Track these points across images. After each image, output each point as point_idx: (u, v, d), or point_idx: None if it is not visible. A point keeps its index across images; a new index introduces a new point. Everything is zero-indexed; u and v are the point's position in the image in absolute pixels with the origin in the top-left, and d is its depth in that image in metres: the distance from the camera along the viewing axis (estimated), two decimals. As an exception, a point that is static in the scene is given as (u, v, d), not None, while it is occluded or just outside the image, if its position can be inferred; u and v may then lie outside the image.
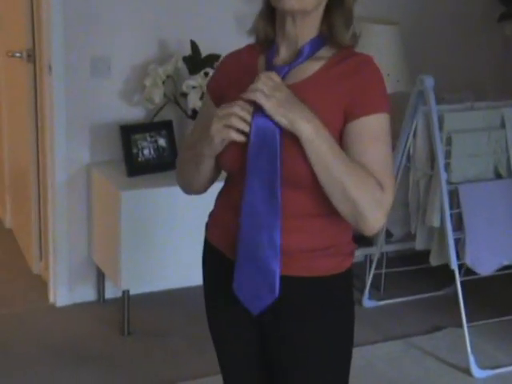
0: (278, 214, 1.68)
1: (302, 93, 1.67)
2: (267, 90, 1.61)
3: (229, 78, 1.82)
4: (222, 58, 1.93)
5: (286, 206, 1.68)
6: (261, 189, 1.67)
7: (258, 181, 1.68)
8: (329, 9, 1.72)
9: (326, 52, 1.73)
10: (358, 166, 1.64)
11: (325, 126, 1.63)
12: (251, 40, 1.82)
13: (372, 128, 1.66)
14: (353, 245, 1.81)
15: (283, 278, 1.72)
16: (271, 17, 1.75)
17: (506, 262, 3.38)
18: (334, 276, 1.75)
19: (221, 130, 1.65)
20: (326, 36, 1.73)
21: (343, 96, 1.66)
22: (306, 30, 1.71)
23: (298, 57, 1.71)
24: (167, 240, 3.29)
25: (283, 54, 1.74)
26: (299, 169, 1.65)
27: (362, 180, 1.63)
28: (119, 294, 3.44)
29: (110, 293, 3.64)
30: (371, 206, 1.64)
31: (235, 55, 1.87)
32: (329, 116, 1.65)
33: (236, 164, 1.72)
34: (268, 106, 1.60)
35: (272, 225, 1.68)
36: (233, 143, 1.69)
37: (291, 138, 1.64)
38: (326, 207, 1.68)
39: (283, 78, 1.69)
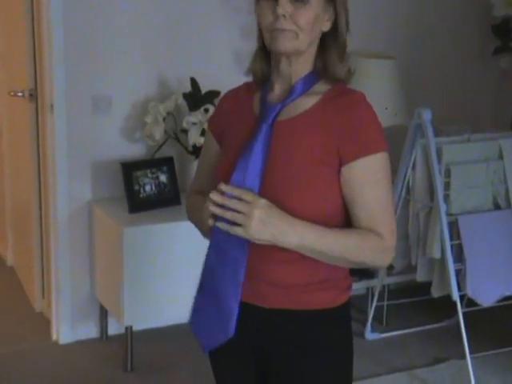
0: (244, 249, 1.69)
1: (293, 129, 1.71)
2: (244, 209, 1.61)
3: (227, 115, 1.86)
4: (221, 96, 1.97)
5: None
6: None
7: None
8: (323, 44, 1.75)
9: (320, 87, 1.75)
10: (351, 233, 1.68)
11: (316, 162, 1.66)
12: (250, 77, 1.87)
13: (369, 170, 1.68)
14: (349, 279, 1.82)
15: (278, 312, 1.74)
16: (267, 55, 1.79)
17: (507, 293, 3.38)
18: (329, 310, 1.76)
19: (205, 219, 1.69)
20: (321, 71, 1.76)
21: (336, 135, 1.68)
22: (301, 67, 1.74)
23: (290, 94, 1.74)
24: (170, 275, 3.30)
25: (277, 90, 1.78)
26: (287, 205, 1.66)
27: (361, 245, 1.68)
28: (122, 331, 3.44)
29: (113, 329, 3.64)
30: (377, 258, 1.72)
31: (233, 93, 1.91)
32: (321, 153, 1.68)
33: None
34: (248, 234, 1.61)
35: (237, 260, 1.70)
36: (225, 170, 1.74)
37: (278, 173, 1.68)
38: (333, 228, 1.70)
39: (276, 116, 1.72)
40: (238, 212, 1.61)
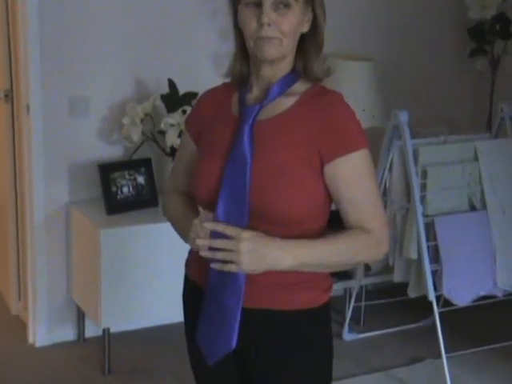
0: (241, 279, 1.70)
1: (273, 129, 1.72)
2: (231, 247, 1.62)
3: (205, 115, 1.87)
4: (199, 96, 1.97)
5: None
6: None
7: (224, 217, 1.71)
8: (301, 44, 1.76)
9: (298, 87, 1.77)
10: (341, 237, 1.70)
11: (297, 161, 1.68)
12: (228, 79, 1.87)
13: (352, 167, 1.70)
14: (330, 280, 1.83)
15: (259, 311, 1.75)
16: (245, 57, 1.80)
17: (482, 293, 3.41)
18: (310, 310, 1.77)
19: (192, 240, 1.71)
20: (300, 71, 1.77)
21: (316, 134, 1.69)
22: (281, 69, 1.75)
23: (269, 94, 1.75)
24: (147, 277, 3.29)
25: (256, 91, 1.79)
26: (272, 205, 1.68)
27: (354, 247, 1.70)
28: (100, 333, 3.43)
29: (91, 331, 3.63)
30: (372, 254, 1.75)
31: (211, 93, 1.91)
32: (301, 152, 1.69)
33: (211, 198, 1.76)
34: (241, 269, 1.63)
35: (236, 288, 1.71)
36: (207, 173, 1.76)
37: (262, 173, 1.69)
38: (323, 238, 1.72)
39: (256, 116, 1.74)
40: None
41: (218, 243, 1.64)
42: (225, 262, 1.65)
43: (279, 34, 1.69)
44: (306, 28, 1.74)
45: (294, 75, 1.77)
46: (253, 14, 1.69)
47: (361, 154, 1.70)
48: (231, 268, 1.63)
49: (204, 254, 1.67)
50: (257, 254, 1.62)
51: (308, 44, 1.76)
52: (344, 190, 1.70)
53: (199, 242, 1.67)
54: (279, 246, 1.64)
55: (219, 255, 1.64)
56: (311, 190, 1.70)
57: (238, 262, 1.62)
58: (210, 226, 1.66)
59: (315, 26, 1.75)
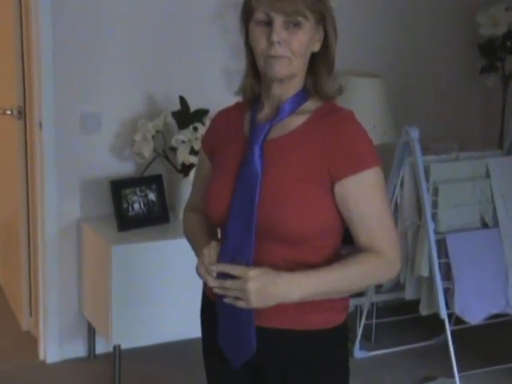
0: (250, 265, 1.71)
1: (282, 147, 1.72)
2: (238, 287, 1.64)
3: (219, 134, 1.89)
4: (213, 116, 1.99)
5: (277, 259, 1.70)
6: (235, 241, 1.72)
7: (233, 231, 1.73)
8: (312, 63, 1.76)
9: (309, 106, 1.76)
10: (350, 263, 1.69)
11: (307, 180, 1.68)
12: (239, 96, 1.88)
13: (362, 186, 1.69)
14: (346, 300, 1.82)
15: (274, 331, 1.74)
16: (257, 75, 1.80)
17: (495, 311, 3.39)
18: (326, 330, 1.77)
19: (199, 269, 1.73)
20: (310, 89, 1.77)
21: (326, 153, 1.69)
22: (291, 87, 1.76)
23: (279, 113, 1.75)
24: (158, 294, 3.29)
25: (267, 109, 1.79)
26: (280, 223, 1.68)
27: (364, 272, 1.70)
28: (110, 349, 3.42)
29: (101, 348, 3.62)
30: (383, 276, 1.75)
31: (225, 112, 1.93)
32: (310, 171, 1.69)
33: (221, 216, 1.77)
34: (251, 306, 1.64)
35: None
36: (217, 191, 1.77)
37: (270, 191, 1.69)
38: (318, 261, 1.71)
39: (266, 135, 1.74)
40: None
41: (227, 284, 1.65)
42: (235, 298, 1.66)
43: (289, 52, 1.69)
44: (316, 47, 1.74)
45: (304, 93, 1.77)
46: (263, 33, 1.69)
47: (371, 173, 1.69)
48: (241, 304, 1.64)
49: (216, 290, 1.68)
50: (265, 291, 1.63)
51: (319, 63, 1.76)
52: (354, 209, 1.69)
53: (211, 283, 1.68)
54: (287, 280, 1.64)
55: (229, 293, 1.65)
56: (320, 208, 1.69)
57: (247, 301, 1.63)
58: (217, 268, 1.67)
59: (326, 46, 1.75)
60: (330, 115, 1.73)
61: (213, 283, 1.68)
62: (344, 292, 1.73)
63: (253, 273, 1.63)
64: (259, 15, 1.70)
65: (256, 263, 1.70)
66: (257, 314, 1.72)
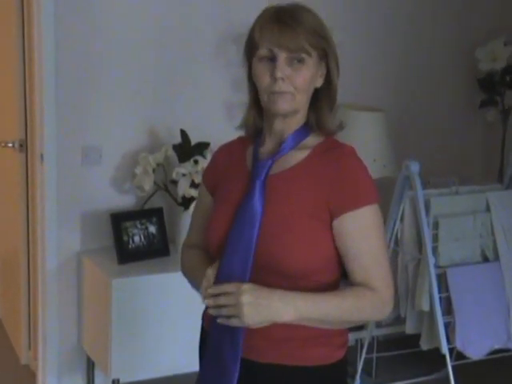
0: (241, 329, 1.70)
1: (283, 183, 1.73)
2: (232, 301, 1.63)
3: (220, 169, 1.90)
4: (215, 150, 2.00)
5: None
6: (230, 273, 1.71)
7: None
8: (315, 98, 1.78)
9: (310, 141, 1.77)
10: (345, 294, 1.68)
11: (306, 215, 1.68)
12: (241, 130, 1.89)
13: (359, 223, 1.69)
14: (345, 336, 1.81)
15: (270, 366, 1.73)
16: (259, 109, 1.81)
17: (496, 346, 3.37)
18: (324, 367, 1.75)
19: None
20: (312, 125, 1.78)
21: (326, 188, 1.69)
22: (294, 122, 1.77)
23: (281, 148, 1.76)
24: (158, 327, 3.27)
25: (269, 144, 1.80)
26: (279, 258, 1.68)
27: (357, 305, 1.68)
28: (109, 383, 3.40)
29: (100, 382, 3.60)
30: (375, 313, 1.72)
31: (227, 147, 1.94)
32: (310, 206, 1.69)
33: (220, 249, 1.77)
34: (244, 322, 1.62)
35: (235, 333, 1.70)
36: (218, 225, 1.77)
37: (269, 226, 1.69)
38: (326, 292, 1.70)
39: (268, 171, 1.75)
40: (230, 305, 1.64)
41: (221, 301, 1.64)
42: (229, 317, 1.64)
43: (292, 88, 1.70)
44: (319, 83, 1.76)
45: (306, 129, 1.78)
46: (267, 69, 1.71)
47: (369, 210, 1.69)
48: (234, 323, 1.63)
49: (211, 311, 1.68)
50: (258, 305, 1.61)
51: (321, 98, 1.77)
52: (349, 246, 1.69)
53: (207, 302, 1.68)
54: (280, 297, 1.63)
55: (224, 311, 1.64)
56: (320, 244, 1.69)
57: (240, 315, 1.61)
58: (213, 290, 1.67)
59: (329, 81, 1.76)
60: (331, 151, 1.74)
61: (209, 301, 1.67)
62: (335, 323, 1.70)
63: (246, 286, 1.64)
64: (263, 51, 1.71)
65: None
66: (251, 348, 1.70)
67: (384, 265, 1.71)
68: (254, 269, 1.70)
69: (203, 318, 1.90)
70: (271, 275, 1.69)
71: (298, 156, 1.76)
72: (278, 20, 1.69)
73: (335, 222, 1.69)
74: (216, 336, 1.73)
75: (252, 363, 1.74)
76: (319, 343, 1.74)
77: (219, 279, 1.72)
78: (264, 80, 1.71)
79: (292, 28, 1.68)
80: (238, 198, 1.77)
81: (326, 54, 1.74)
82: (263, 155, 1.79)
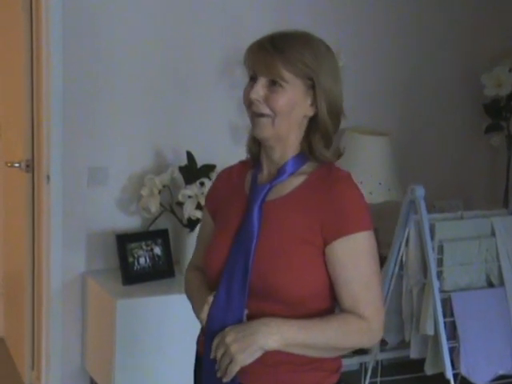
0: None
1: (278, 209, 1.73)
2: (221, 349, 1.63)
3: (220, 193, 1.91)
4: (217, 174, 2.01)
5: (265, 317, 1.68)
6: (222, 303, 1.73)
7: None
8: (308, 130, 1.76)
9: (308, 167, 1.77)
10: (331, 320, 1.67)
11: (301, 242, 1.68)
12: (244, 151, 1.90)
13: (350, 249, 1.67)
14: (339, 361, 1.79)
15: None
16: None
17: (501, 372, 3.35)
18: None
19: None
20: (307, 153, 1.77)
21: (320, 214, 1.69)
22: (286, 150, 1.76)
23: (278, 175, 1.77)
24: (162, 349, 3.27)
25: (266, 170, 1.81)
26: (274, 285, 1.67)
27: (343, 331, 1.66)
28: (112, 405, 3.39)
29: (103, 403, 3.59)
30: (363, 340, 1.70)
31: (228, 171, 1.95)
32: (305, 233, 1.69)
33: (218, 274, 1.78)
34: (238, 362, 1.61)
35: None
36: (216, 250, 1.79)
37: (264, 253, 1.69)
38: (310, 318, 1.69)
39: (265, 196, 1.75)
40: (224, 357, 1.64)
41: (213, 354, 1.65)
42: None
43: (269, 111, 1.70)
44: (310, 112, 1.73)
45: (303, 156, 1.77)
46: (249, 90, 1.73)
47: (361, 237, 1.68)
48: (233, 369, 1.62)
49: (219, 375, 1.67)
50: (242, 338, 1.61)
51: (312, 128, 1.75)
52: (339, 272, 1.68)
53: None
54: (264, 323, 1.63)
55: (221, 365, 1.64)
56: (314, 270, 1.69)
57: (231, 357, 1.61)
58: (212, 356, 1.67)
59: (317, 111, 1.73)
60: (326, 176, 1.74)
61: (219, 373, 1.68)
62: (321, 349, 1.68)
63: (228, 328, 1.64)
64: (249, 72, 1.74)
65: None
66: (245, 372, 1.68)
67: (374, 292, 1.70)
68: (251, 296, 1.70)
69: (198, 343, 1.90)
70: (268, 303, 1.69)
71: (294, 182, 1.76)
72: (262, 45, 1.71)
73: (327, 248, 1.68)
74: (210, 364, 1.71)
75: None
76: (312, 368, 1.73)
77: (216, 306, 1.73)
78: (246, 100, 1.73)
79: (270, 54, 1.68)
80: (236, 223, 1.78)
81: (313, 83, 1.71)
82: (261, 180, 1.80)
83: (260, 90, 1.69)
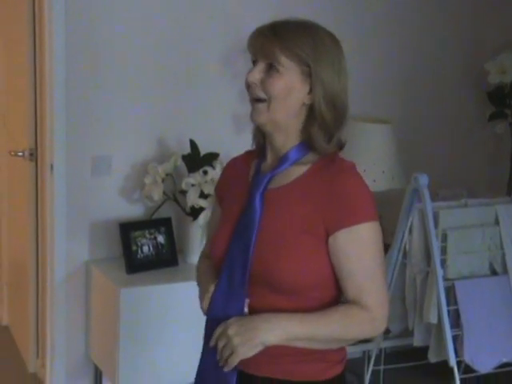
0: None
1: (280, 198, 1.73)
2: (223, 340, 1.64)
3: (227, 181, 1.93)
4: (227, 163, 2.02)
5: (272, 309, 1.69)
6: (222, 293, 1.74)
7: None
8: (307, 119, 1.74)
9: (310, 157, 1.76)
10: (333, 312, 1.67)
11: (302, 231, 1.68)
12: (247, 139, 1.90)
13: (354, 240, 1.67)
14: (343, 352, 1.79)
15: (266, 380, 1.74)
16: None
17: (505, 360, 3.36)
18: (321, 382, 1.74)
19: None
20: (308, 143, 1.75)
21: (322, 204, 1.68)
22: (286, 138, 1.75)
23: (280, 163, 1.76)
24: (166, 337, 3.28)
25: (269, 159, 1.81)
26: (274, 272, 1.68)
27: (346, 322, 1.67)
28: (116, 393, 3.40)
29: (107, 391, 3.61)
30: (366, 331, 1.71)
31: (235, 160, 1.97)
32: (306, 222, 1.69)
33: (221, 261, 1.79)
34: (239, 355, 1.62)
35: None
36: (219, 237, 1.81)
37: (265, 241, 1.70)
38: (312, 311, 1.69)
39: (267, 184, 1.76)
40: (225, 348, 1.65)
41: (213, 343, 1.66)
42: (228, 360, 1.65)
43: (264, 95, 1.70)
44: (307, 100, 1.72)
45: (305, 145, 1.76)
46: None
47: (365, 228, 1.67)
48: (234, 360, 1.63)
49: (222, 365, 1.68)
50: (245, 332, 1.62)
51: (310, 117, 1.73)
52: (343, 263, 1.67)
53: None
54: (266, 319, 1.64)
55: (223, 355, 1.65)
56: (316, 260, 1.68)
57: (233, 349, 1.62)
58: (211, 343, 1.68)
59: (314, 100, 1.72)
60: (329, 167, 1.73)
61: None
62: (325, 341, 1.68)
63: (231, 319, 1.65)
64: (251, 56, 1.75)
65: (250, 312, 1.70)
66: (249, 361, 1.68)
67: (378, 283, 1.69)
68: (253, 284, 1.71)
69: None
70: (268, 291, 1.70)
71: (297, 171, 1.76)
72: (263, 30, 1.72)
73: (330, 239, 1.68)
74: (211, 351, 1.72)
75: (249, 376, 1.75)
76: (315, 359, 1.73)
77: (218, 294, 1.74)
78: (245, 83, 1.74)
79: (269, 38, 1.69)
80: (238, 211, 1.78)
81: (310, 70, 1.69)
82: (265, 169, 1.80)
83: (257, 73, 1.70)
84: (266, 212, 1.73)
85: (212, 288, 1.76)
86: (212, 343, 1.67)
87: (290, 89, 1.69)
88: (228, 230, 1.78)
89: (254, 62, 1.73)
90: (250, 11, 3.61)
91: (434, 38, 4.17)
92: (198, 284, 1.93)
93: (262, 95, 1.70)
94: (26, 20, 3.61)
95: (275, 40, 1.68)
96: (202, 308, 1.81)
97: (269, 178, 1.76)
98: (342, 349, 1.79)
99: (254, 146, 1.88)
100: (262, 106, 1.71)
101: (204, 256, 2.01)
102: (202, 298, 1.81)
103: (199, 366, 1.89)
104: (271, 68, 1.69)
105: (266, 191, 1.75)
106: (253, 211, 1.73)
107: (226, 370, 1.66)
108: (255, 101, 1.72)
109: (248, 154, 1.92)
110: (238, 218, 1.77)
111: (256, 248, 1.70)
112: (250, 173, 1.85)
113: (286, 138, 1.75)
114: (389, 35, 4.04)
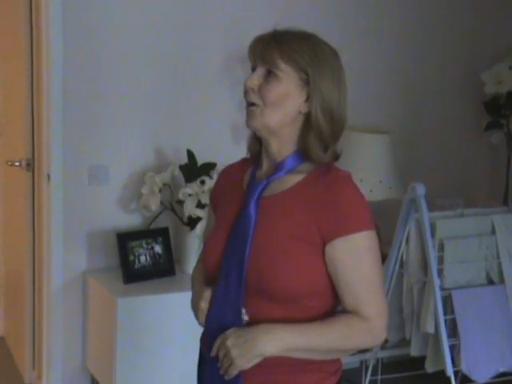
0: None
1: (275, 206, 1.73)
2: (223, 352, 1.65)
3: (222, 188, 1.92)
4: (221, 170, 2.02)
5: (268, 318, 1.68)
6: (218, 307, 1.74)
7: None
8: (304, 128, 1.74)
9: (306, 166, 1.75)
10: (333, 322, 1.66)
11: (296, 239, 1.67)
12: (245, 149, 1.90)
13: (351, 249, 1.66)
14: (338, 363, 1.78)
15: None
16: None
17: (502, 369, 3.36)
18: None
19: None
20: (304, 152, 1.75)
21: (317, 213, 1.67)
22: (282, 146, 1.75)
23: (276, 171, 1.76)
24: (163, 347, 3.27)
25: (265, 167, 1.80)
26: (269, 281, 1.67)
27: (345, 333, 1.66)
28: (113, 403, 3.39)
29: (104, 401, 3.59)
30: (366, 341, 1.70)
31: (230, 167, 1.97)
32: (301, 230, 1.68)
33: (215, 269, 1.78)
34: (237, 366, 1.63)
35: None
36: (212, 245, 1.80)
37: (259, 249, 1.69)
38: (310, 321, 1.68)
39: (262, 191, 1.75)
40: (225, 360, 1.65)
41: (214, 353, 1.66)
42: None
43: (260, 101, 1.70)
44: (304, 108, 1.71)
45: (302, 154, 1.75)
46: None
47: (361, 236, 1.66)
48: (232, 372, 1.63)
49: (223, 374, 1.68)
50: (243, 343, 1.62)
51: (307, 131, 1.73)
52: (341, 272, 1.66)
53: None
54: (264, 331, 1.63)
55: (222, 366, 1.65)
56: (310, 268, 1.67)
57: (231, 361, 1.62)
58: (212, 354, 1.69)
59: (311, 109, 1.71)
60: (325, 176, 1.72)
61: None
62: (323, 352, 1.68)
63: (230, 330, 1.65)
64: (251, 64, 1.75)
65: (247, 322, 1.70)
66: (244, 372, 1.67)
67: (376, 293, 1.68)
68: (249, 293, 1.70)
69: (201, 341, 1.90)
70: (263, 300, 1.69)
71: (292, 180, 1.75)
72: (264, 37, 1.73)
73: (327, 248, 1.67)
74: (212, 360, 1.72)
75: None
76: (310, 369, 1.72)
77: (215, 302, 1.73)
78: (244, 90, 1.74)
79: (268, 44, 1.70)
80: (232, 219, 1.77)
81: (308, 78, 1.69)
82: (260, 176, 1.80)
83: (255, 78, 1.71)
84: (260, 219, 1.73)
85: (207, 293, 1.75)
86: (213, 354, 1.67)
87: (287, 95, 1.70)
88: (222, 237, 1.77)
89: (254, 69, 1.74)
90: (250, 21, 3.62)
91: (431, 50, 4.19)
92: (192, 288, 1.92)
93: (256, 101, 1.71)
94: (23, 31, 3.62)
95: (274, 46, 1.69)
96: (196, 318, 1.80)
97: (264, 186, 1.76)
98: (338, 359, 1.78)
99: (249, 155, 1.88)
100: (255, 109, 1.71)
101: (198, 263, 2.01)
102: (195, 303, 1.80)
103: (199, 375, 1.88)
104: (269, 74, 1.70)
105: (261, 199, 1.75)
106: (247, 218, 1.73)
107: (226, 378, 1.66)
108: (249, 105, 1.73)
109: (244, 161, 1.92)
110: (233, 224, 1.76)
111: (250, 255, 1.70)
112: (245, 180, 1.85)
113: (282, 144, 1.75)
114: (388, 47, 4.05)
